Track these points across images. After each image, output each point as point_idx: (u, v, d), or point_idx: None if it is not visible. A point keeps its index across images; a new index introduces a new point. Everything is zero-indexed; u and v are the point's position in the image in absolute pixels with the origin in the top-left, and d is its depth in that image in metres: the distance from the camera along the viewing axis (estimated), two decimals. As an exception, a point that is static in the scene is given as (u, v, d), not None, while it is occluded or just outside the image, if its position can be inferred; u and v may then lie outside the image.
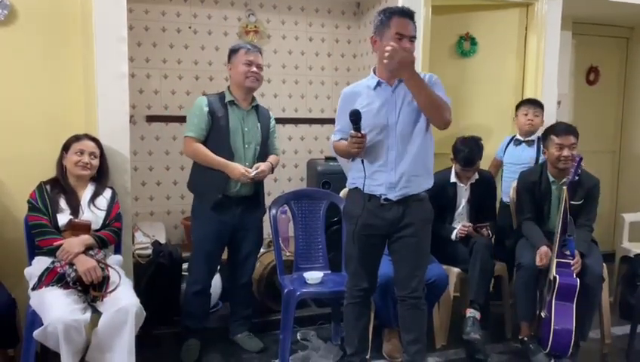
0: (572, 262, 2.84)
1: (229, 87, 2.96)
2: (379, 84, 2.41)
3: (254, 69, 2.87)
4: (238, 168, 2.81)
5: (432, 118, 2.35)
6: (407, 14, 2.35)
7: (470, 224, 3.23)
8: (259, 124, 2.96)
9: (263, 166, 2.89)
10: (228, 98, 2.89)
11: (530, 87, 3.87)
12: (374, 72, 2.46)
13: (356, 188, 2.47)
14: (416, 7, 3.43)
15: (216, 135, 2.85)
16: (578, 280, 2.80)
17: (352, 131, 2.30)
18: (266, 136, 2.99)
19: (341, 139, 2.48)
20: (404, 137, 2.37)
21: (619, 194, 5.13)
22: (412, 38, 2.34)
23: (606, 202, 4.76)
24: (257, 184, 2.96)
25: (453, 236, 3.20)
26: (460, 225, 3.22)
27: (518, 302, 3.06)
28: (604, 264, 3.03)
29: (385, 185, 2.37)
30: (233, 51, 2.92)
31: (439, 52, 4.07)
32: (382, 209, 2.39)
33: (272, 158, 3.05)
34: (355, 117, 2.28)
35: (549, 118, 3.87)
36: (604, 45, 4.97)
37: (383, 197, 2.38)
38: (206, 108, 2.84)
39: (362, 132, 2.29)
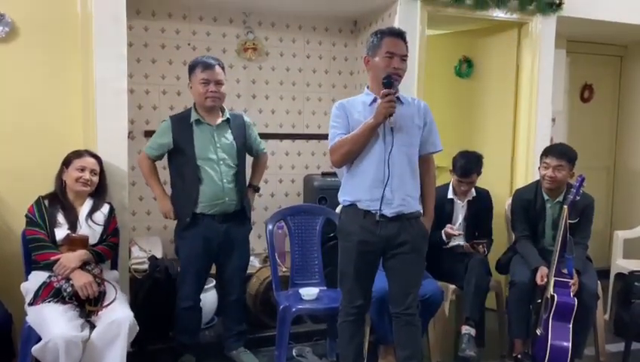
0: (570, 282, 2.85)
1: (195, 103, 2.91)
2: (375, 100, 2.44)
3: (212, 87, 2.79)
4: (165, 206, 2.90)
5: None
6: (398, 34, 2.43)
7: (460, 233, 3.25)
8: (232, 137, 2.91)
9: None
10: (194, 117, 2.84)
11: (525, 105, 3.91)
12: (368, 89, 2.51)
13: (351, 204, 2.47)
14: (412, 27, 3.51)
15: (182, 157, 2.83)
16: (576, 300, 2.81)
17: (385, 90, 2.30)
18: (242, 145, 2.96)
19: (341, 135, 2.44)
20: (401, 155, 2.40)
21: (613, 210, 5.15)
22: (404, 57, 2.41)
23: (600, 219, 4.79)
24: (243, 199, 2.95)
25: (444, 237, 3.20)
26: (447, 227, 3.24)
27: (512, 320, 3.07)
28: (598, 281, 3.05)
29: (381, 200, 2.38)
30: (191, 68, 2.85)
31: (440, 74, 4.17)
32: (377, 226, 2.40)
33: (260, 166, 3.13)
34: (388, 79, 2.32)
35: (544, 135, 3.92)
36: (598, 63, 5.03)
37: (379, 213, 2.39)
38: (168, 135, 2.83)
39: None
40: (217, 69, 2.83)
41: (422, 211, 2.54)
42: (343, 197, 2.52)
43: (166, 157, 2.95)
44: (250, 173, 3.14)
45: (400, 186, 2.40)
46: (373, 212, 2.40)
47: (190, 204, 2.82)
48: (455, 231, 3.21)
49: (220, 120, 2.90)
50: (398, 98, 2.44)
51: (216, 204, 2.84)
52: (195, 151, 2.81)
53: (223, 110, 2.94)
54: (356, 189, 2.44)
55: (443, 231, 3.22)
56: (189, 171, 2.82)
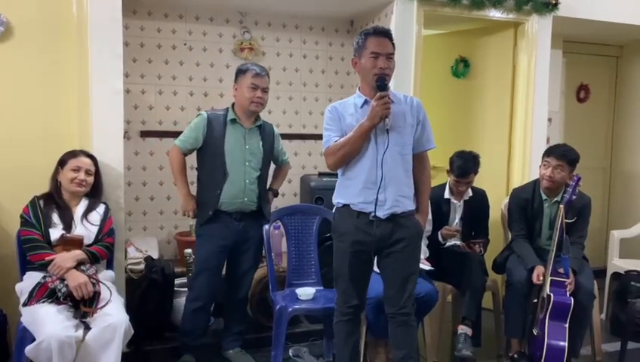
0: (567, 281, 2.86)
1: (233, 104, 2.98)
2: (366, 102, 2.43)
3: (259, 93, 2.89)
4: (189, 205, 2.92)
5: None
6: (382, 33, 2.41)
7: (457, 229, 3.26)
8: (261, 142, 2.98)
9: None
10: (230, 116, 2.91)
11: (521, 105, 3.92)
12: (359, 91, 2.50)
13: (344, 206, 2.47)
14: (409, 27, 3.53)
15: (212, 153, 2.88)
16: (572, 299, 2.82)
17: (380, 92, 2.30)
18: (269, 153, 3.03)
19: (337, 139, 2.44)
20: (394, 155, 2.39)
21: (609, 210, 5.17)
22: (389, 55, 2.40)
23: (597, 219, 4.79)
24: (261, 199, 2.98)
25: (440, 238, 3.22)
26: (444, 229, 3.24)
27: (509, 319, 3.07)
28: (594, 281, 3.05)
29: (374, 202, 2.38)
30: (241, 72, 2.93)
31: (437, 73, 4.19)
32: (370, 226, 2.40)
33: (282, 173, 3.21)
34: (382, 81, 2.32)
35: (540, 135, 3.93)
36: (594, 64, 5.05)
37: (372, 214, 2.39)
38: (203, 128, 2.87)
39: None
40: (266, 78, 2.95)
41: (415, 208, 2.52)
42: (337, 200, 2.53)
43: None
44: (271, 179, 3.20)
45: (393, 187, 2.39)
46: (367, 213, 2.41)
47: (214, 199, 2.86)
48: (452, 230, 3.21)
49: (252, 125, 2.97)
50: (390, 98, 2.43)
51: (234, 202, 2.89)
52: (225, 149, 2.86)
53: (257, 117, 3.00)
54: (349, 192, 2.44)
55: (440, 233, 3.22)
56: (215, 167, 2.87)
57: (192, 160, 3.02)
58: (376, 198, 2.37)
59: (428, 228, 3.16)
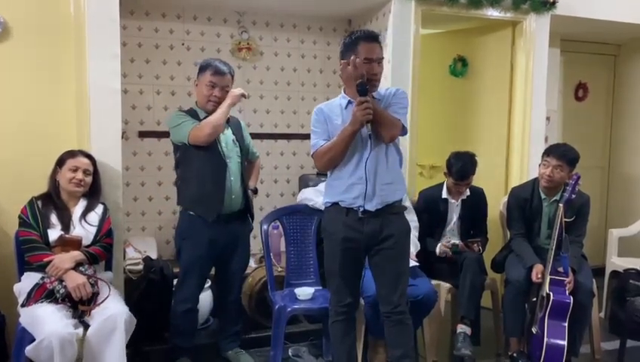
0: (566, 280, 2.86)
1: (196, 102, 2.91)
2: (350, 102, 2.45)
3: (216, 93, 2.80)
4: (237, 90, 2.81)
5: (380, 134, 2.39)
6: (373, 38, 2.42)
7: (453, 242, 3.22)
8: (234, 137, 2.93)
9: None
10: (202, 115, 2.83)
11: (519, 103, 3.92)
12: (344, 92, 2.51)
13: (333, 204, 2.49)
14: (407, 26, 3.53)
15: (200, 154, 2.77)
16: (571, 298, 2.82)
17: (361, 97, 2.29)
18: (242, 145, 2.96)
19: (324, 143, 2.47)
20: (378, 150, 2.41)
21: (608, 209, 5.17)
22: (380, 61, 2.42)
23: (595, 217, 4.79)
24: (247, 198, 2.96)
25: (437, 250, 3.21)
26: (443, 241, 3.23)
27: (507, 318, 3.08)
28: (593, 279, 3.06)
29: (362, 196, 2.40)
30: (202, 68, 2.84)
31: (435, 73, 4.18)
32: (360, 222, 2.42)
33: (255, 169, 3.12)
34: (362, 86, 2.30)
35: (538, 134, 3.93)
36: (592, 62, 5.05)
37: (361, 209, 2.41)
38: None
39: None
40: (228, 77, 2.84)
41: (405, 204, 2.55)
42: (326, 199, 2.55)
43: (172, 155, 2.95)
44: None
45: (380, 178, 2.41)
46: (355, 208, 2.43)
47: (216, 203, 2.79)
48: (449, 246, 3.19)
49: None
50: (373, 96, 2.42)
51: (229, 199, 2.84)
52: (217, 147, 2.80)
53: None
54: (336, 190, 2.47)
55: (438, 247, 3.20)
56: (213, 158, 2.78)
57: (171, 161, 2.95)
58: (365, 192, 2.39)
59: (415, 224, 3.16)
